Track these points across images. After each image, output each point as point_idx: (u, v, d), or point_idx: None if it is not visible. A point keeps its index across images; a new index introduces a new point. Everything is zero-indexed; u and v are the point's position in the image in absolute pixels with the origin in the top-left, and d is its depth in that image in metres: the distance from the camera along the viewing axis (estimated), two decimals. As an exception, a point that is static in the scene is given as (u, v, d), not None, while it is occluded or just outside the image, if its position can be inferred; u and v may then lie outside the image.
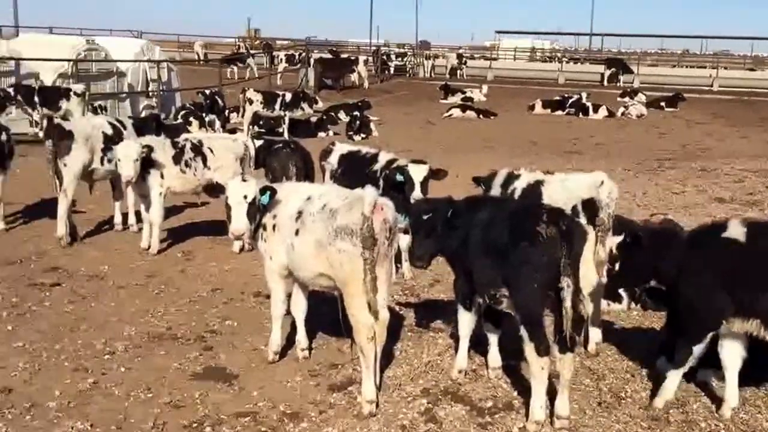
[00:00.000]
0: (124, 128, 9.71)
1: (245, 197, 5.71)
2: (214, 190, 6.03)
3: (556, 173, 6.84)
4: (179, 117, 18.24)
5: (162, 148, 8.95)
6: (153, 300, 7.57)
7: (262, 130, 20.39)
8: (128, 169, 8.54)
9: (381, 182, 8.05)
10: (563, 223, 4.78)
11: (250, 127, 20.35)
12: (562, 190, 6.32)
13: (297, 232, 5.54)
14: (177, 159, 9.03)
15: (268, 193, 5.77)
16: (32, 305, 7.20)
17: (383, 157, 8.43)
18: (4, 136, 9.35)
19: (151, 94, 21.41)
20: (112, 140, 9.29)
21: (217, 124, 19.53)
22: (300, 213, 5.56)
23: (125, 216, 10.17)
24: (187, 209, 11.37)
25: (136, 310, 7.24)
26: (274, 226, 5.80)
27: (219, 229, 10.11)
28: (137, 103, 20.97)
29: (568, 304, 4.67)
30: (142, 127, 10.07)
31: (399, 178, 7.77)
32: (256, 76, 35.92)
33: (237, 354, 6.28)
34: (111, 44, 21.08)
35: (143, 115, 19.51)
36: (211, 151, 9.21)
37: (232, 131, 20.03)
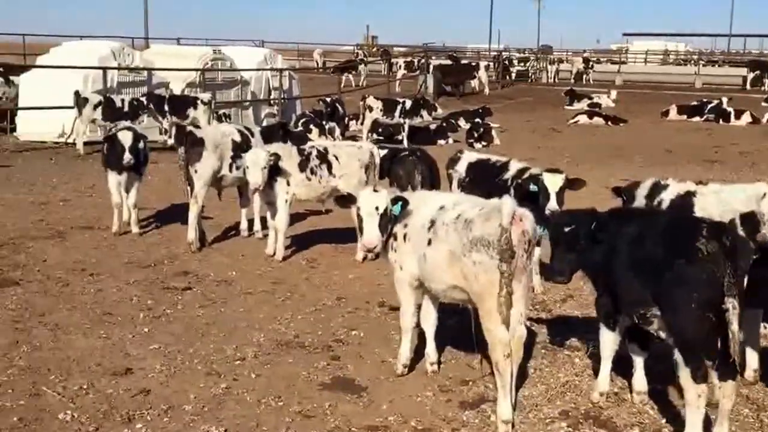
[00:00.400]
0: (252, 136, 10.03)
1: (377, 208, 5.72)
2: (345, 201, 6.09)
3: (709, 183, 6.49)
4: (299, 125, 18.76)
5: (288, 155, 9.18)
6: (280, 307, 7.75)
7: (381, 138, 20.60)
8: (256, 177, 8.80)
9: (512, 192, 7.92)
10: (726, 238, 4.51)
11: (369, 134, 20.62)
12: (717, 203, 5.98)
13: (429, 242, 5.51)
14: (303, 166, 9.23)
15: (400, 203, 5.76)
16: (166, 308, 7.52)
17: (514, 166, 8.30)
18: (141, 144, 9.84)
19: (272, 102, 22.14)
20: (240, 148, 9.62)
21: (337, 131, 19.94)
22: (433, 222, 5.53)
23: (251, 222, 10.50)
24: (309, 216, 11.62)
25: (264, 316, 7.43)
26: (405, 236, 5.79)
27: (342, 236, 10.32)
28: (259, 111, 21.73)
29: (735, 327, 4.38)
30: (269, 134, 10.36)
31: (532, 187, 7.62)
32: (363, 84, 36.48)
33: (365, 365, 6.32)
34: (236, 54, 21.97)
35: (264, 122, 20.25)
36: (337, 158, 9.36)
37: (352, 138, 20.42)
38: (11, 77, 20.55)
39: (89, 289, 8.03)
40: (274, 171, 8.99)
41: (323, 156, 9.33)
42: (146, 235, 10.37)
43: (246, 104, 21.22)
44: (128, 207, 10.26)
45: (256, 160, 8.80)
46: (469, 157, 8.90)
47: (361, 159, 9.46)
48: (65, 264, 8.87)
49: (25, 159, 16.14)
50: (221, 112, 19.39)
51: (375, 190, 5.87)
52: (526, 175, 7.95)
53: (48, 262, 8.92)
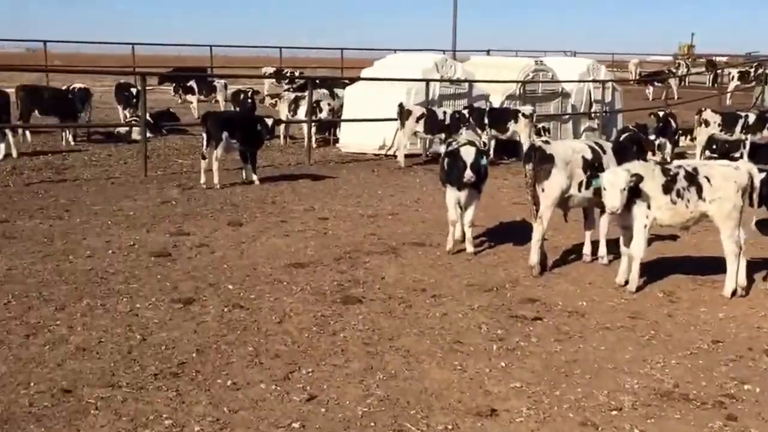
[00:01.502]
0: (604, 153, 9.36)
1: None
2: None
3: None
4: (621, 139, 17.76)
5: (651, 175, 8.37)
6: (645, 347, 6.99)
7: (715, 155, 18.91)
8: (614, 200, 8.14)
9: None
10: None
11: (704, 151, 19.00)
12: None
13: None
14: (668, 188, 8.36)
15: None
16: (519, 340, 7.09)
17: None
18: (484, 160, 9.61)
19: (593, 115, 21.30)
20: (591, 165, 9.02)
21: (668, 147, 18.65)
22: None
23: (594, 245, 9.82)
24: (654, 242, 10.62)
25: (631, 357, 6.72)
26: None
27: (698, 266, 9.28)
28: (579, 125, 21.01)
29: None
30: (623, 151, 9.63)
31: None
32: (675, 96, 34.08)
33: (771, 432, 5.37)
34: (557, 65, 21.45)
35: (582, 137, 19.51)
36: (709, 180, 8.35)
37: (680, 155, 18.97)
38: (335, 90, 22.05)
39: (433, 312, 7.83)
40: (634, 193, 8.26)
41: (692, 177, 8.37)
42: (480, 255, 10.11)
43: (565, 117, 20.62)
44: (463, 225, 10.11)
45: (616, 181, 8.13)
46: None
47: (738, 181, 8.33)
48: (404, 282, 8.81)
49: (348, 170, 16.92)
50: (540, 125, 18.99)
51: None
52: None
53: (386, 280, 8.87)
